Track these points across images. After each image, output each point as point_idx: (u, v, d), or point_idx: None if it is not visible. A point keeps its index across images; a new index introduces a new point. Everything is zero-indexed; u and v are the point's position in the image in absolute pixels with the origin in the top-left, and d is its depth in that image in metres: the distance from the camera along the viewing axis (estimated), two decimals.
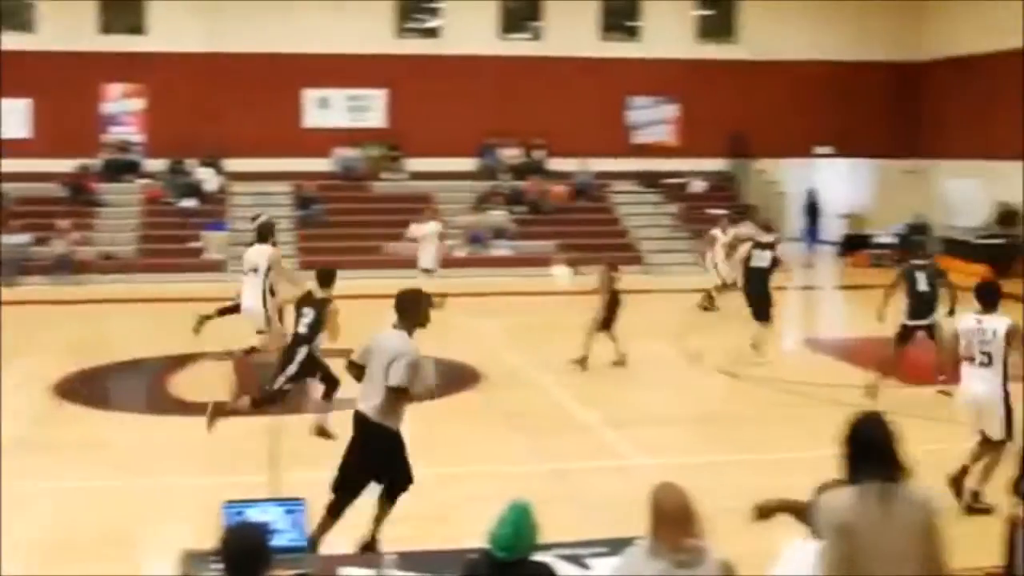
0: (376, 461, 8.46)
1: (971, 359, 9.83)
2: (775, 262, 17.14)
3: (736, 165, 32.08)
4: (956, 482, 9.82)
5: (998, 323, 9.81)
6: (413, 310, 8.49)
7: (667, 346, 17.71)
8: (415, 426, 11.74)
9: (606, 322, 16.14)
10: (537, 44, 31.41)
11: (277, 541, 6.33)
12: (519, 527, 5.33)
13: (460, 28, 30.80)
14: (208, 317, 14.84)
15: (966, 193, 30.02)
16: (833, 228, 32.62)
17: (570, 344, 16.04)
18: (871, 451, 5.19)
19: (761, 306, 16.96)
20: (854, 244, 31.38)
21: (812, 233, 31.87)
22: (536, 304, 22.78)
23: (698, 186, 31.54)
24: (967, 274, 18.37)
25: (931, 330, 14.16)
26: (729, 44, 32.13)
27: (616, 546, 6.37)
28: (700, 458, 11.36)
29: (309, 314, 11.61)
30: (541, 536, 5.45)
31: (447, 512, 9.17)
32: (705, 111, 31.21)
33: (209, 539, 5.22)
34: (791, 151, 31.43)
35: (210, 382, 15.29)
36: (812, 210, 32.21)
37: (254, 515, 6.54)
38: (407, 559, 7.42)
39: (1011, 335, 9.75)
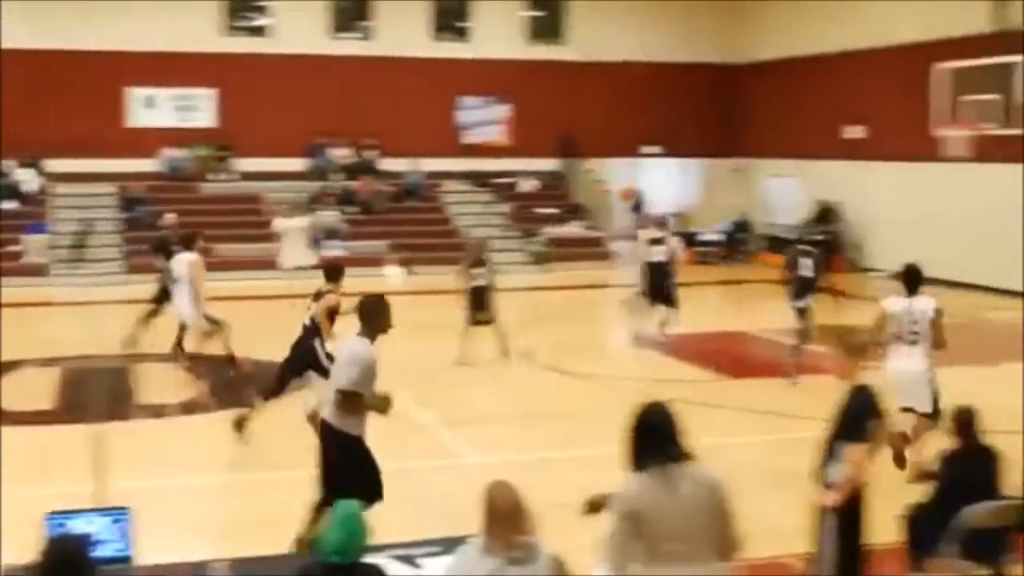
0: (340, 467, 8.08)
1: (900, 339, 10.51)
2: (671, 254, 18.68)
3: (566, 165, 32.48)
4: (899, 459, 10.44)
5: (926, 304, 10.57)
6: (375, 316, 8.26)
7: (498, 344, 17.81)
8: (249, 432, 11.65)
9: (475, 317, 16.51)
10: (368, 44, 31.24)
11: (102, 551, 6.24)
12: (349, 530, 5.31)
13: (290, 27, 30.45)
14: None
15: (785, 191, 31.03)
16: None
17: (403, 344, 15.91)
18: (655, 437, 5.36)
19: (667, 294, 18.42)
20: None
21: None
22: None
23: (528, 185, 31.84)
24: None
25: (803, 312, 15.21)
26: (558, 45, 32.48)
27: (449, 545, 6.41)
28: (531, 455, 11.50)
29: (314, 308, 11.63)
30: (373, 537, 5.45)
31: (279, 516, 9.04)
32: (535, 111, 31.53)
33: (30, 552, 5.08)
34: (618, 150, 31.98)
35: (32, 390, 14.85)
36: (638, 208, 32.76)
37: (78, 526, 6.38)
38: (238, 566, 7.33)
39: (938, 315, 10.51)
